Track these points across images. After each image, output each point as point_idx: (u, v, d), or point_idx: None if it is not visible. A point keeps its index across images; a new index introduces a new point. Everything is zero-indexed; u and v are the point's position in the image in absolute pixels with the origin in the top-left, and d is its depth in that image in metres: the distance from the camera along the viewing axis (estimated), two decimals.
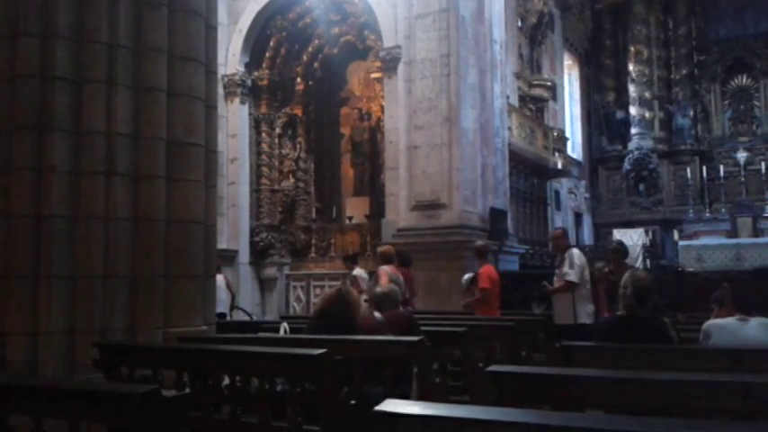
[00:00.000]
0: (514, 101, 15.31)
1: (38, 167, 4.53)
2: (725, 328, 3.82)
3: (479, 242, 8.62)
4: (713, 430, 1.96)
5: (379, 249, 8.62)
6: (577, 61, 22.11)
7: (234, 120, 13.25)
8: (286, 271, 13.39)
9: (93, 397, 2.66)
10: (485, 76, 11.94)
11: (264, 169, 13.84)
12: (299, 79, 14.03)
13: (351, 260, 10.23)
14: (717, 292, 4.31)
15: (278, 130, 14.02)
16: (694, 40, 21.56)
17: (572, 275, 6.95)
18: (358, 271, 9.74)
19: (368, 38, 12.80)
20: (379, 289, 5.38)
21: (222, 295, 9.84)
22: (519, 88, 16.16)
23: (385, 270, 7.87)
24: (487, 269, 7.97)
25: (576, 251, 7.22)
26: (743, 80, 21.13)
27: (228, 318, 10.26)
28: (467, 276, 8.15)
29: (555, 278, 7.25)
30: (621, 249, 7.57)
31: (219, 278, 10.09)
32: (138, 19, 4.92)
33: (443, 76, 11.02)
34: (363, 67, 14.07)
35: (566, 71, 20.87)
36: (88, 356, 4.26)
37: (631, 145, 20.91)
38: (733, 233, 18.47)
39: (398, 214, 11.31)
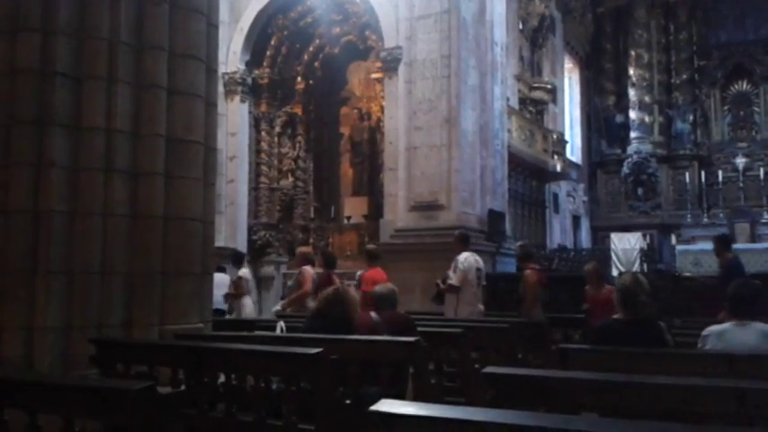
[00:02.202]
0: (514, 103, 15.32)
1: (37, 163, 4.52)
2: (722, 333, 3.82)
3: (370, 246, 8.90)
4: None
5: (299, 250, 8.73)
6: (578, 64, 22.12)
7: (234, 118, 13.26)
8: (283, 270, 13.40)
9: (89, 393, 2.66)
10: (485, 78, 11.94)
11: (263, 168, 13.85)
12: (299, 78, 14.04)
13: (237, 260, 10.32)
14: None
15: (277, 129, 14.03)
16: (695, 45, 21.58)
17: (453, 280, 7.39)
18: (243, 271, 9.81)
19: (369, 38, 12.81)
20: (378, 289, 5.38)
21: (224, 292, 9.83)
22: (519, 91, 16.19)
23: (308, 271, 7.96)
24: (372, 273, 8.11)
25: (462, 256, 7.49)
26: (743, 86, 21.17)
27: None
28: (359, 273, 8.38)
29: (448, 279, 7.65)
30: (525, 252, 7.65)
31: (224, 277, 10.11)
32: (140, 16, 4.92)
33: (444, 78, 11.03)
34: (364, 68, 14.09)
35: (566, 74, 20.90)
36: (84, 352, 4.26)
37: (630, 149, 20.94)
38: (730, 239, 18.48)
39: (397, 215, 11.32)
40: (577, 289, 10.03)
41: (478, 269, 7.49)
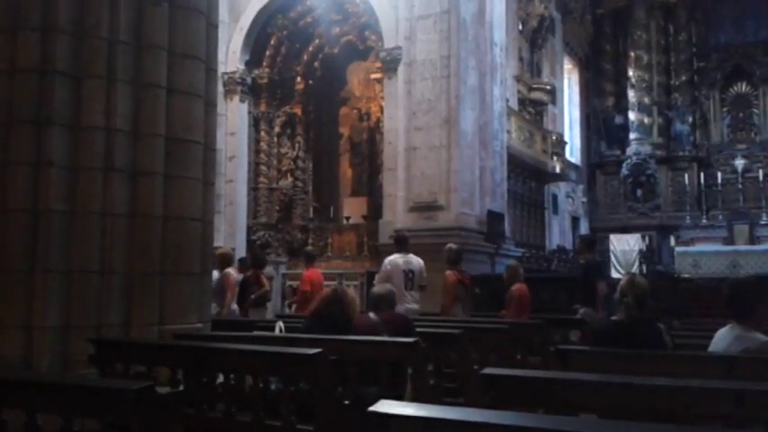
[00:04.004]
0: (514, 104, 15.32)
1: (36, 162, 4.52)
2: (717, 336, 3.80)
3: (308, 248, 9.60)
4: None
5: (218, 252, 8.88)
6: (577, 65, 22.13)
7: (233, 118, 13.26)
8: (282, 270, 13.38)
9: (88, 392, 2.66)
10: (485, 78, 11.95)
11: (263, 168, 13.86)
12: (298, 78, 14.05)
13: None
14: None
15: (277, 129, 14.03)
16: (694, 47, 21.59)
17: (375, 280, 7.86)
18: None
19: (368, 38, 12.82)
20: (376, 289, 5.37)
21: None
22: (518, 91, 16.19)
23: (232, 274, 8.28)
24: (310, 273, 8.82)
25: (387, 259, 7.92)
26: (742, 87, 21.17)
27: None
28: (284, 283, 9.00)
29: None
30: (450, 256, 7.93)
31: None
32: (140, 15, 4.91)
33: (443, 78, 11.03)
34: (363, 68, 14.09)
35: (565, 75, 20.90)
36: (83, 352, 4.26)
37: (630, 150, 20.95)
38: (729, 240, 18.51)
39: (396, 215, 11.32)
40: (574, 290, 10.08)
41: (410, 270, 7.73)
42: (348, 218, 13.64)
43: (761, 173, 19.64)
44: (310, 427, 3.40)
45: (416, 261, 7.86)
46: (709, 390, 2.60)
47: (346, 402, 3.67)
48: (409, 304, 7.62)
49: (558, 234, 18.67)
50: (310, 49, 13.94)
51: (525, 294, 7.67)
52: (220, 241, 11.82)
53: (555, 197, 18.56)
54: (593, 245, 8.82)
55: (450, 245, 8.19)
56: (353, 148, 14.38)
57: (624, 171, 20.75)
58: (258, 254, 9.64)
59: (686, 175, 20.48)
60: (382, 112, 12.36)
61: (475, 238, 11.06)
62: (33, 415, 2.69)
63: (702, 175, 20.37)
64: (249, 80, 13.52)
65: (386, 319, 4.79)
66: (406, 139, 11.28)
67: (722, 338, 3.67)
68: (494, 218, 11.66)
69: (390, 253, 10.14)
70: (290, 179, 14.05)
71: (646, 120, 21.18)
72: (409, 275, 7.70)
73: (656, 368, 3.37)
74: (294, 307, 9.07)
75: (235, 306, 8.02)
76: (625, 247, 16.43)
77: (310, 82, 14.18)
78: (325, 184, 14.64)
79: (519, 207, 15.45)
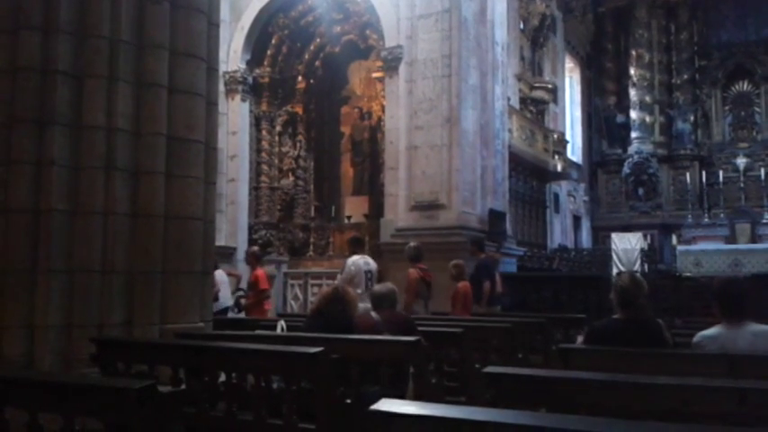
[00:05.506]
0: (515, 103, 15.32)
1: (38, 161, 4.53)
2: (716, 338, 3.76)
3: (253, 248, 9.81)
4: None
5: None
6: (579, 64, 22.11)
7: (234, 117, 13.25)
8: (284, 269, 13.40)
9: (90, 392, 2.66)
10: (486, 77, 11.93)
11: (264, 167, 13.84)
12: (300, 77, 14.03)
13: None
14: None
15: (278, 128, 14.01)
16: (696, 45, 21.57)
17: (337, 281, 8.06)
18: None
19: (370, 37, 12.81)
20: (377, 288, 5.38)
21: (226, 291, 9.82)
22: (520, 90, 16.18)
23: None
24: (262, 272, 9.01)
25: (350, 260, 8.12)
26: (744, 86, 21.14)
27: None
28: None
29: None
30: (413, 254, 8.18)
31: (221, 273, 10.10)
32: (141, 14, 4.92)
33: (445, 77, 11.01)
34: (365, 67, 14.07)
35: (567, 74, 20.88)
36: (85, 351, 4.26)
37: (631, 149, 20.95)
38: (731, 239, 18.50)
39: (397, 214, 11.31)
40: (575, 288, 10.10)
41: (369, 271, 7.99)
42: (349, 217, 13.63)
43: (762, 171, 19.63)
44: (312, 426, 3.40)
45: (372, 262, 8.23)
46: (710, 388, 2.59)
47: (348, 401, 3.68)
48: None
49: (560, 233, 18.68)
50: (311, 48, 13.92)
51: (469, 292, 8.02)
52: (222, 241, 11.83)
53: (556, 196, 18.56)
54: (482, 246, 9.44)
55: (410, 243, 8.38)
56: (355, 147, 14.36)
57: (626, 170, 20.75)
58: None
59: (688, 174, 20.47)
60: (383, 111, 12.34)
61: (476, 237, 11.04)
62: (35, 414, 2.70)
63: (704, 173, 20.36)
64: (250, 79, 13.50)
65: (387, 319, 4.79)
66: (408, 138, 11.27)
67: (735, 338, 3.66)
68: (495, 217, 11.65)
69: (395, 252, 10.20)
70: (291, 178, 14.04)
71: (647, 118, 21.18)
72: (368, 275, 7.96)
73: (657, 366, 3.37)
74: (246, 308, 8.95)
75: None
76: (627, 245, 16.40)
77: (311, 81, 14.16)
78: (326, 184, 14.63)
79: (520, 206, 15.45)
